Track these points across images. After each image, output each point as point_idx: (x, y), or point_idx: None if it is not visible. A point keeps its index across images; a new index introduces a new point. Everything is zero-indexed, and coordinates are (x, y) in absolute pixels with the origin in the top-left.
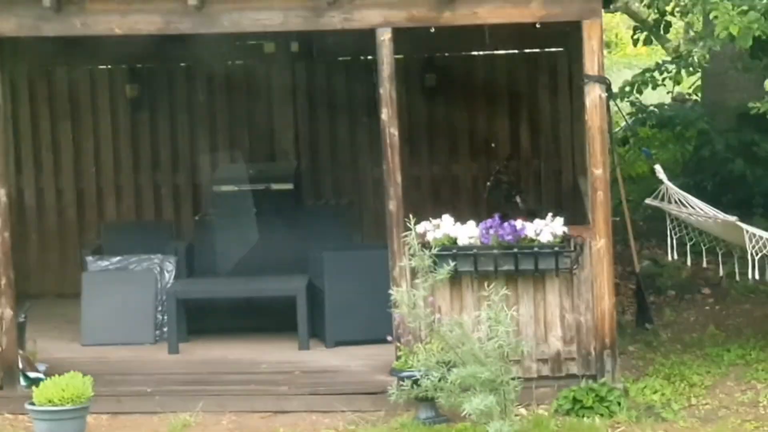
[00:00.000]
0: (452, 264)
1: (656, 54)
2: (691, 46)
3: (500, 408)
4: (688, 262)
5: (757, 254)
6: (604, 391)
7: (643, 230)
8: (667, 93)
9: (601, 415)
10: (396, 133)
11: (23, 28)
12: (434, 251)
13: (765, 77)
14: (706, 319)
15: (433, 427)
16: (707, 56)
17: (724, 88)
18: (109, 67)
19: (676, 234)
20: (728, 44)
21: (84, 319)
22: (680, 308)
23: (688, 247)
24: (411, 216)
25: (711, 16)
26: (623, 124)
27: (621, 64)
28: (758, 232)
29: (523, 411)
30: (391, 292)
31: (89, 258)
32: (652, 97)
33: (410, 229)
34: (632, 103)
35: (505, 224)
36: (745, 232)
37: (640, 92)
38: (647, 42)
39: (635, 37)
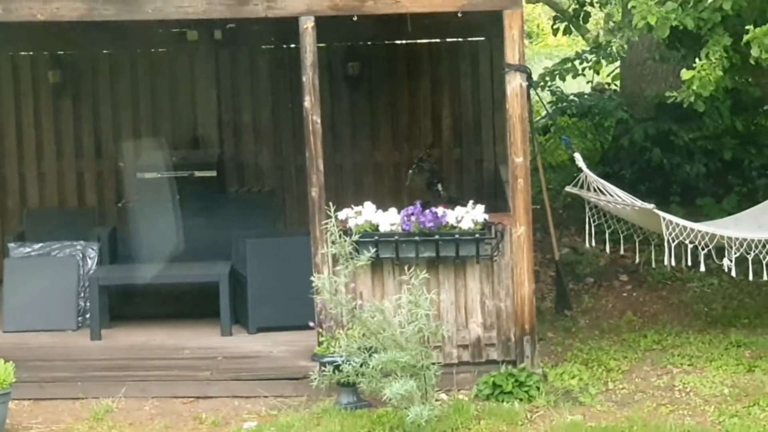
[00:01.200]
0: (373, 251)
1: (577, 44)
2: (609, 36)
3: (421, 393)
4: (607, 250)
5: (673, 241)
6: (524, 376)
7: (563, 218)
8: (587, 83)
9: (521, 399)
10: (318, 120)
11: None
12: (355, 238)
13: (682, 67)
14: (624, 305)
15: (355, 412)
16: (625, 46)
17: (642, 78)
18: (32, 53)
19: (594, 221)
20: (646, 34)
21: (5, 305)
22: (598, 295)
23: (606, 234)
24: (332, 203)
25: (629, 6)
26: (544, 112)
27: (542, 55)
28: (675, 219)
29: (443, 396)
30: (312, 278)
31: (11, 244)
32: (572, 86)
33: (332, 216)
34: (553, 92)
35: (427, 211)
36: (662, 219)
37: (562, 79)
38: (567, 32)
39: (555, 26)
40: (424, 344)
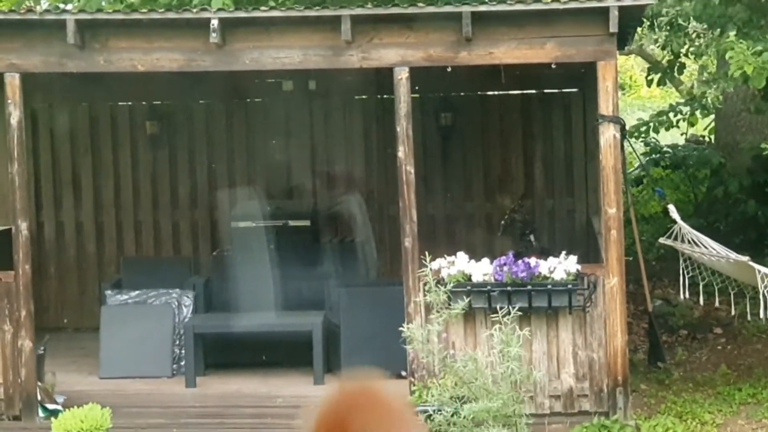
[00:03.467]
0: (466, 300)
1: (670, 96)
2: (704, 87)
3: None
4: (701, 302)
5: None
6: (617, 428)
7: (656, 270)
8: (681, 134)
9: None
10: (412, 170)
11: (48, 64)
12: (449, 287)
13: None
14: (718, 358)
15: None
16: (720, 97)
17: (737, 129)
18: (130, 103)
19: (688, 273)
20: (741, 85)
21: (103, 351)
22: (692, 347)
23: (700, 286)
24: (426, 253)
25: (727, 56)
26: (637, 164)
27: (635, 106)
28: None
29: None
30: (402, 327)
31: (108, 292)
32: (666, 138)
33: (425, 266)
34: (647, 144)
35: (519, 262)
36: (757, 271)
37: (656, 132)
38: (661, 83)
39: (649, 78)
40: (515, 389)
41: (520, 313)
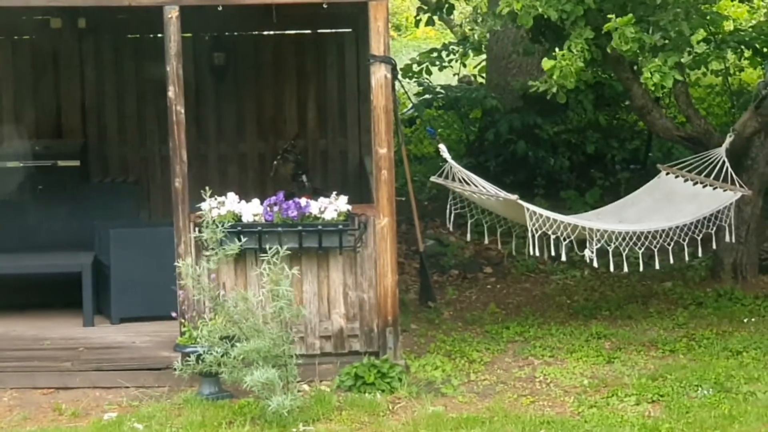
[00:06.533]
0: (237, 241)
1: (445, 37)
2: (474, 26)
3: (282, 383)
4: (468, 238)
5: (536, 232)
6: (386, 367)
7: (429, 210)
8: (454, 75)
9: (383, 391)
10: (182, 111)
11: None
12: (219, 228)
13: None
14: (488, 297)
15: (216, 403)
16: (488, 35)
17: (508, 71)
18: None
19: (457, 212)
20: (511, 27)
21: None
22: (463, 287)
23: (469, 225)
24: (206, 190)
25: None
26: (410, 104)
27: (411, 47)
28: (538, 210)
29: (305, 387)
30: (177, 264)
31: None
32: (439, 78)
33: (197, 207)
34: (420, 84)
35: (290, 201)
36: (525, 210)
37: (429, 72)
38: (429, 23)
39: (418, 18)
40: (285, 330)
41: (290, 253)
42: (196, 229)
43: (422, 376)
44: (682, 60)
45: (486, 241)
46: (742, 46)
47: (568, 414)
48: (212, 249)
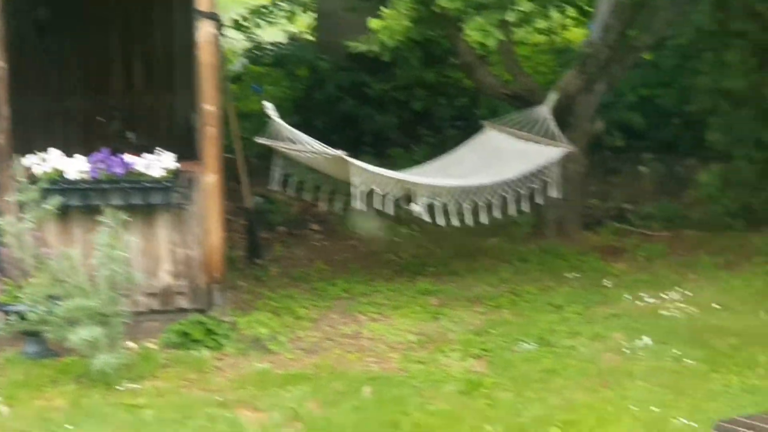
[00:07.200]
0: (60, 198)
1: None
2: None
3: (108, 341)
4: (290, 194)
5: (362, 188)
6: (213, 324)
7: (256, 167)
8: (284, 32)
9: (209, 348)
10: (4, 65)
11: None
12: (42, 185)
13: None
14: (315, 254)
15: (40, 362)
16: None
17: (336, 28)
18: None
19: (284, 170)
20: None
21: None
22: (290, 244)
23: (295, 183)
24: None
25: None
26: (238, 61)
27: (239, 4)
28: (364, 165)
29: (132, 345)
30: None
31: None
32: (269, 36)
33: (20, 163)
34: (248, 41)
35: (115, 158)
36: (351, 166)
37: (258, 28)
38: None
39: None
40: (111, 288)
41: (116, 210)
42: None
43: (249, 333)
44: (508, 18)
45: (312, 199)
46: (566, 5)
47: (393, 370)
48: (32, 206)
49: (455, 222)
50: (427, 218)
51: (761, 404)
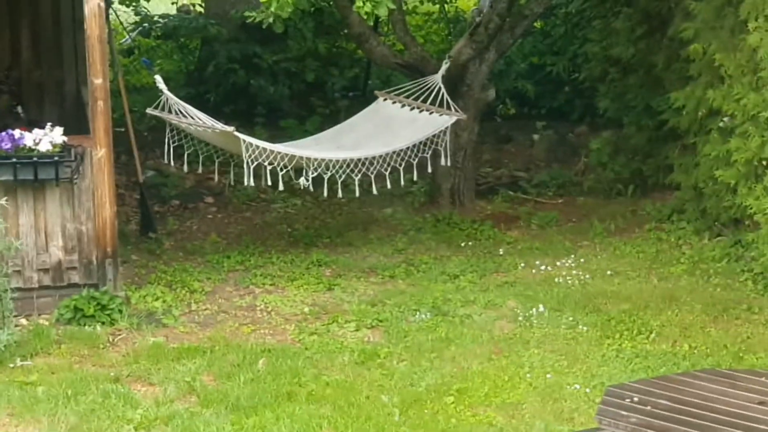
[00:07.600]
0: None
1: None
2: None
3: None
4: (185, 169)
5: (252, 162)
6: (106, 299)
7: (149, 141)
8: (172, 4)
9: (103, 323)
10: None
11: None
12: None
13: None
14: (209, 227)
15: None
16: None
17: (226, 0)
18: None
19: (175, 143)
20: None
21: None
22: (184, 217)
23: (186, 156)
24: None
25: None
26: (128, 34)
27: None
28: (254, 141)
29: (23, 321)
30: None
31: None
32: (158, 8)
33: None
34: (137, 13)
35: (2, 133)
36: (242, 141)
37: (147, 0)
38: None
39: None
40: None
41: (5, 186)
42: None
43: (143, 308)
44: None
45: (204, 172)
46: None
47: (288, 341)
48: None
49: (347, 194)
50: (318, 190)
51: (653, 369)
